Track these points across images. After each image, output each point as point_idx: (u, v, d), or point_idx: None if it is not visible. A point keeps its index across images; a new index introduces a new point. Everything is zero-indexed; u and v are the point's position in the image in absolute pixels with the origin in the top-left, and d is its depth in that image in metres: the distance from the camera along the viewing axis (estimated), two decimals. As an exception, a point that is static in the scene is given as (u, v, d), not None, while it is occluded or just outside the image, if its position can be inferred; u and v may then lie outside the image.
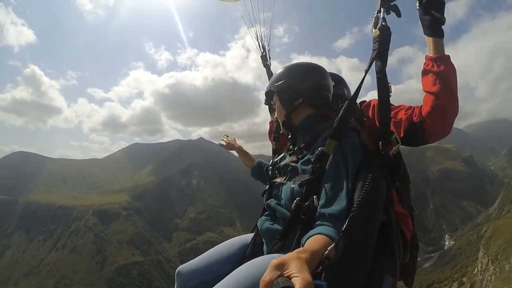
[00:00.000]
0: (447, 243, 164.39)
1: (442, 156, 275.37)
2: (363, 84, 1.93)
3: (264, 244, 2.06)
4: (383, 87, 1.86)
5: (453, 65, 1.84)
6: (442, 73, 1.81)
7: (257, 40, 3.30)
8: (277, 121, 2.34)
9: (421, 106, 1.94)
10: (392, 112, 1.98)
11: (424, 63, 1.90)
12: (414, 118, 1.95)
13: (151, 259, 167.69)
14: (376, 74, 1.86)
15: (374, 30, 1.85)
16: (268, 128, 3.11)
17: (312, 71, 2.15)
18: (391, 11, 1.85)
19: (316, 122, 2.10)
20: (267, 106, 2.78)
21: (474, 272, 65.06)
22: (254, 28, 3.28)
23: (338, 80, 2.72)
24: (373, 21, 1.87)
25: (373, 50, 1.85)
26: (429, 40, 1.87)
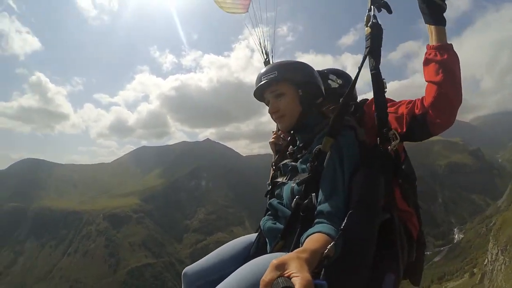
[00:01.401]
0: (456, 236, 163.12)
1: (449, 150, 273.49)
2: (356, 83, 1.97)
3: (268, 243, 2.08)
4: (378, 84, 1.86)
5: (456, 53, 1.80)
6: (445, 62, 1.76)
7: (261, 47, 3.31)
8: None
9: (422, 98, 1.90)
10: (393, 108, 2.00)
11: (426, 53, 1.86)
12: (416, 111, 1.90)
13: (163, 260, 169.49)
14: (370, 71, 1.86)
15: (366, 28, 1.86)
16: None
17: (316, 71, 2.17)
18: (382, 9, 1.85)
19: (317, 121, 2.11)
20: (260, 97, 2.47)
21: (485, 263, 65.46)
22: (257, 35, 3.32)
23: (346, 80, 2.66)
24: (365, 18, 1.87)
25: (366, 48, 1.86)
26: (430, 29, 1.83)
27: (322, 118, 2.13)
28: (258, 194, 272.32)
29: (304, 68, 2.11)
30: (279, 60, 2.13)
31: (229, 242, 2.32)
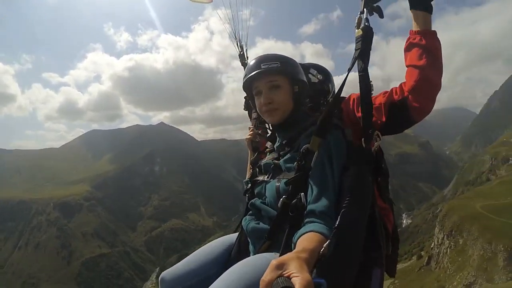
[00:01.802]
0: (404, 221, 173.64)
1: (400, 140, 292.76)
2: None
3: (250, 244, 2.03)
4: (365, 86, 1.82)
5: (439, 40, 1.81)
6: (430, 47, 1.78)
7: (235, 39, 3.28)
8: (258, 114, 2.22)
9: (400, 84, 1.91)
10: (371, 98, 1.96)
11: (409, 37, 1.86)
12: (395, 97, 1.90)
13: (118, 250, 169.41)
14: (359, 73, 1.82)
15: (357, 30, 1.83)
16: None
17: None
18: (374, 12, 1.85)
19: (302, 119, 2.10)
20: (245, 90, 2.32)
21: (431, 247, 71.51)
22: (233, 29, 3.26)
23: (326, 76, 2.71)
24: (356, 21, 1.84)
25: (356, 50, 1.82)
26: (416, 15, 1.83)
27: (307, 116, 2.13)
28: (213, 180, 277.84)
29: (300, 66, 2.13)
30: (260, 54, 2.13)
31: (206, 245, 2.27)
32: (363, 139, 1.81)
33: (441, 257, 63.35)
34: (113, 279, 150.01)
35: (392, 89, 1.96)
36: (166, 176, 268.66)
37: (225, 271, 1.73)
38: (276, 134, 2.23)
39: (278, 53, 2.07)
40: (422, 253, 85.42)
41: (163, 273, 2.07)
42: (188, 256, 2.16)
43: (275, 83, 2.00)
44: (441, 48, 1.81)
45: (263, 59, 2.01)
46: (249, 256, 1.94)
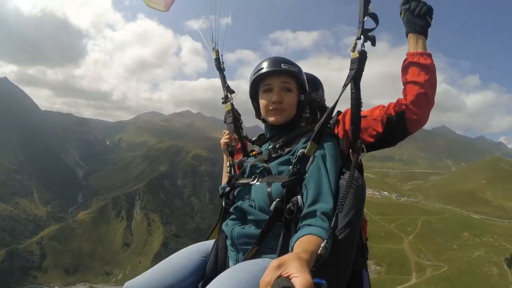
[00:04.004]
0: None
1: None
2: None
3: (232, 251, 2.01)
4: (357, 102, 2.00)
5: (434, 62, 2.07)
6: (428, 66, 2.03)
7: (212, 43, 3.22)
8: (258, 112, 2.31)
9: (398, 100, 2.12)
10: (368, 111, 2.20)
11: (409, 57, 2.11)
12: (393, 110, 2.09)
13: None
14: (351, 91, 2.02)
15: (353, 53, 2.05)
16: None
17: None
18: (368, 40, 2.07)
19: (298, 126, 2.20)
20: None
21: None
22: (210, 35, 3.21)
23: (316, 84, 2.94)
24: (352, 45, 2.07)
25: (351, 70, 2.02)
26: (415, 38, 2.12)
27: (302, 125, 2.25)
28: (51, 160, 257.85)
29: (306, 77, 2.26)
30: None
31: (177, 252, 2.19)
32: (350, 150, 1.97)
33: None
34: None
35: (389, 104, 2.15)
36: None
37: (202, 282, 1.75)
38: (270, 137, 2.26)
39: (292, 61, 2.17)
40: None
41: (127, 284, 1.97)
42: (156, 265, 2.06)
43: (289, 85, 2.11)
44: (435, 69, 2.07)
45: (284, 60, 2.11)
46: (228, 265, 2.00)
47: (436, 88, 2.06)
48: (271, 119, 2.16)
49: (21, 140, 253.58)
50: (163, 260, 2.12)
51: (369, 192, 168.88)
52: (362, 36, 2.06)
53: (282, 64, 2.08)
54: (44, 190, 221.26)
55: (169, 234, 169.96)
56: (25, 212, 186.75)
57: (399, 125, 2.08)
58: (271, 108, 2.12)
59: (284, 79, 2.10)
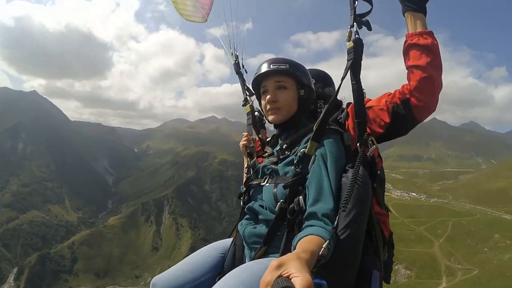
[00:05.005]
0: None
1: None
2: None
3: (246, 249, 2.06)
4: (358, 93, 1.93)
5: (436, 40, 1.90)
6: (429, 46, 1.86)
7: (230, 49, 3.27)
8: (259, 116, 2.47)
9: (403, 86, 2.00)
10: (374, 101, 2.12)
11: (408, 40, 1.96)
12: (398, 98, 1.99)
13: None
14: (351, 82, 1.94)
15: (348, 42, 1.95)
16: None
17: None
18: (362, 26, 1.96)
19: (305, 124, 2.15)
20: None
21: None
22: (229, 40, 3.26)
23: (323, 80, 2.81)
24: (347, 34, 1.96)
25: (348, 60, 1.93)
26: (412, 17, 1.96)
27: (309, 122, 2.14)
28: (82, 168, 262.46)
29: (308, 73, 2.23)
30: (270, 58, 2.23)
31: (200, 250, 2.31)
32: (358, 144, 1.89)
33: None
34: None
35: (395, 91, 2.04)
36: (30, 157, 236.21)
37: (219, 276, 1.81)
38: (278, 137, 2.30)
39: (286, 58, 2.15)
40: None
41: (155, 279, 2.11)
42: (180, 261, 2.21)
43: (282, 83, 2.11)
44: (438, 46, 1.90)
45: (273, 61, 2.12)
46: (244, 261, 2.03)
47: (441, 68, 1.92)
48: (270, 118, 2.20)
49: (52, 150, 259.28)
50: (186, 257, 2.26)
51: (397, 193, 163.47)
52: (355, 23, 1.97)
53: (271, 65, 2.10)
54: (75, 197, 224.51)
55: (197, 238, 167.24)
56: (56, 218, 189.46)
57: (406, 113, 1.97)
58: (268, 108, 2.17)
59: (277, 78, 2.12)
